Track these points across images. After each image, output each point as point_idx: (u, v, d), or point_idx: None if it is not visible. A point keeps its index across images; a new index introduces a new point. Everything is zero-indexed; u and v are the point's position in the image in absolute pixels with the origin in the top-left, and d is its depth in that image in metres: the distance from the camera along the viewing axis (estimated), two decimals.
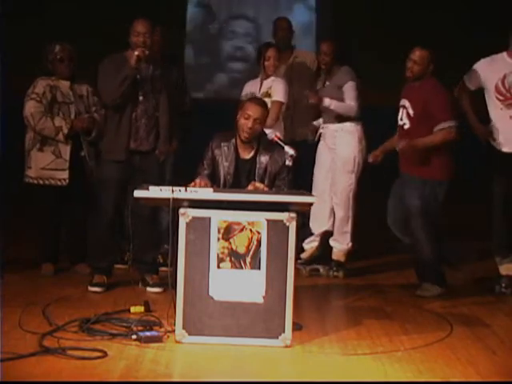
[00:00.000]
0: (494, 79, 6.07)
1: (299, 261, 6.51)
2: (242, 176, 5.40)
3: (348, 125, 6.55)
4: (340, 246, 6.65)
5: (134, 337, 4.71)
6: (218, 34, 12.28)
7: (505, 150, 6.08)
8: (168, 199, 4.74)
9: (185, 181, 5.27)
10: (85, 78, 6.28)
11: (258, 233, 4.76)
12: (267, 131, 5.53)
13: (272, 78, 6.63)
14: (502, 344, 4.96)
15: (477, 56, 6.26)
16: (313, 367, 4.50)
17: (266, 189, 5.21)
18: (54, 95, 6.14)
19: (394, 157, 6.15)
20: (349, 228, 6.58)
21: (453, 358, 4.64)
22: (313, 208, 5.45)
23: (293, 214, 4.75)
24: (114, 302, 5.51)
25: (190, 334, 4.75)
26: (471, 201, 7.78)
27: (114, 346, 4.59)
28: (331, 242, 6.68)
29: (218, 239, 4.76)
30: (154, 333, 4.79)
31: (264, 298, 4.77)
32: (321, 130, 6.68)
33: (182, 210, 4.76)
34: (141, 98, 5.86)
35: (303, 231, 6.53)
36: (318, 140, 6.71)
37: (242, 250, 4.77)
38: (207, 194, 4.84)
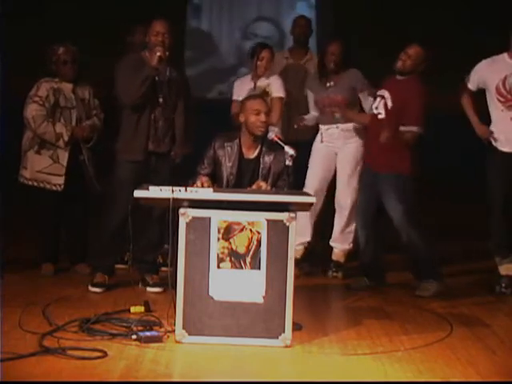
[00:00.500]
0: (495, 80, 6.07)
1: None
2: (244, 176, 5.42)
3: (353, 125, 6.54)
4: (341, 246, 6.64)
5: (133, 337, 4.72)
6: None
7: (505, 149, 6.08)
8: (168, 199, 4.75)
9: (185, 180, 5.28)
10: (85, 79, 6.29)
11: (258, 233, 4.76)
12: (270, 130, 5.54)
13: (267, 76, 6.61)
14: (502, 344, 4.96)
15: (477, 54, 6.26)
16: (313, 367, 4.50)
17: (269, 188, 5.23)
18: (56, 99, 6.13)
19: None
20: (352, 228, 6.56)
21: (453, 358, 4.64)
22: None
23: (293, 214, 4.76)
24: (114, 302, 5.51)
25: (190, 334, 4.75)
26: (471, 201, 7.76)
27: (114, 346, 4.60)
28: (332, 243, 6.67)
29: (218, 239, 4.76)
30: (154, 333, 4.79)
31: (264, 298, 4.77)
32: (324, 131, 6.62)
33: (181, 210, 4.76)
34: (161, 100, 5.85)
35: None
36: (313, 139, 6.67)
37: (242, 250, 4.77)
38: (207, 194, 4.84)
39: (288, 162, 5.26)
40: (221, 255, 4.77)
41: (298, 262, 6.56)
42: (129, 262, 6.13)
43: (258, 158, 5.42)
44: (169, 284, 4.86)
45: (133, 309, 5.22)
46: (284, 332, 4.75)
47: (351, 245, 6.61)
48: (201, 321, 4.76)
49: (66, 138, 6.08)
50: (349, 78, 6.53)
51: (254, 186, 5.26)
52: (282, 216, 4.75)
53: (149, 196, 4.84)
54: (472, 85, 6.21)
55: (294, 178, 5.46)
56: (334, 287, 6.39)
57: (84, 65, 6.27)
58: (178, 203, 4.78)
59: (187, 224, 4.75)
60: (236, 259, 4.77)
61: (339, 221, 6.63)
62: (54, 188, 6.13)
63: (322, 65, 6.57)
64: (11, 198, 6.41)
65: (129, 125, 5.88)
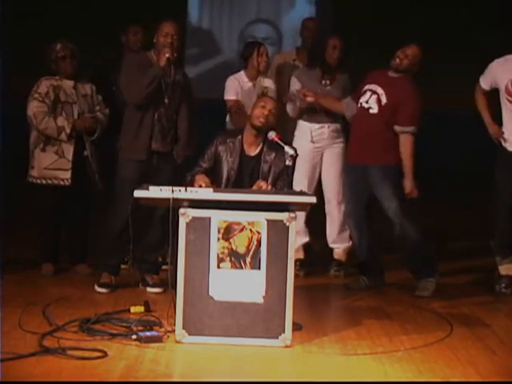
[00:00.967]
0: (505, 80, 6.01)
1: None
2: (245, 173, 5.45)
3: (339, 125, 6.56)
4: (341, 245, 6.64)
5: (134, 337, 4.71)
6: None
7: (511, 149, 6.07)
8: (168, 199, 4.75)
9: (185, 176, 5.29)
10: (86, 78, 6.29)
11: (258, 233, 4.76)
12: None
13: (262, 78, 6.60)
14: (502, 344, 4.96)
15: (477, 53, 6.25)
16: (313, 367, 4.50)
17: (269, 188, 5.24)
18: (57, 95, 6.14)
19: None
20: (346, 226, 6.56)
21: (453, 358, 4.64)
22: None
23: (293, 214, 4.76)
24: (114, 302, 5.51)
25: (190, 334, 4.75)
26: (472, 201, 7.78)
27: (114, 346, 4.59)
28: (332, 245, 6.67)
29: (218, 239, 4.76)
30: (154, 333, 4.79)
31: (264, 298, 4.77)
32: (314, 130, 6.58)
33: (181, 210, 4.76)
34: (166, 100, 5.85)
35: None
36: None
37: (242, 249, 4.77)
38: (207, 193, 4.84)
39: (288, 162, 5.26)
40: (221, 255, 4.77)
41: (302, 263, 6.60)
42: (129, 262, 6.13)
43: (259, 156, 5.45)
44: (169, 284, 4.86)
45: (133, 309, 5.22)
46: (284, 332, 4.75)
47: (350, 242, 6.60)
48: (201, 321, 4.76)
49: (67, 131, 6.07)
50: (343, 81, 6.55)
51: (254, 187, 5.28)
52: (282, 216, 4.75)
53: (149, 196, 4.84)
54: (485, 84, 6.17)
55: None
56: (333, 287, 6.38)
57: (84, 65, 6.27)
58: (178, 203, 4.78)
59: (187, 224, 4.75)
60: (236, 259, 4.77)
61: (334, 224, 6.62)
62: (61, 183, 6.13)
63: (322, 60, 6.49)
64: (14, 197, 6.41)
65: (132, 123, 5.88)
